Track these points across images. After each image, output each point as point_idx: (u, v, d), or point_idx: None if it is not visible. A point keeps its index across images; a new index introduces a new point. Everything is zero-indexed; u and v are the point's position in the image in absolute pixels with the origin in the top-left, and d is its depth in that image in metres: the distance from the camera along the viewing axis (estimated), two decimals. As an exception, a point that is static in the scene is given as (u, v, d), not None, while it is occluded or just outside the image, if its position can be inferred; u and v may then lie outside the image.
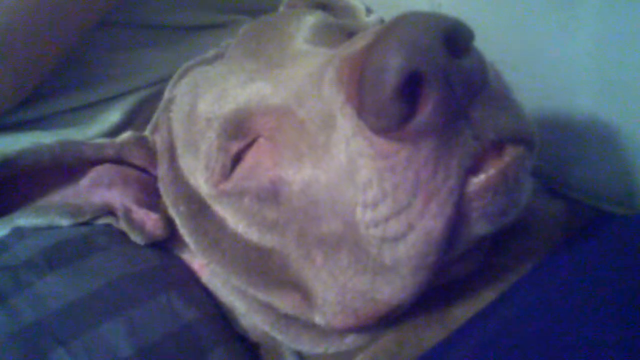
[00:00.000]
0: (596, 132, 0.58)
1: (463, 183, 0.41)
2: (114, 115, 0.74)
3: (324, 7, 0.79)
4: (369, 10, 0.80)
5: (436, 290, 0.48)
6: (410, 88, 0.37)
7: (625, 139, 0.56)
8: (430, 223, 0.41)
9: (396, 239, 0.42)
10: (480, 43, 0.41)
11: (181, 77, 0.66)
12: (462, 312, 0.50)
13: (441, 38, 0.37)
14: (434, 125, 0.38)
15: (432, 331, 0.50)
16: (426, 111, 0.38)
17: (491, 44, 0.42)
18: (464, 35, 0.39)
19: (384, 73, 0.37)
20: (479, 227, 0.42)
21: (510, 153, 0.42)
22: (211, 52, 0.70)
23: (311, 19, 0.61)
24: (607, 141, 0.57)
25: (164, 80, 0.73)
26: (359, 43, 0.43)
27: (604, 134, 0.57)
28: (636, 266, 0.46)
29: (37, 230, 0.58)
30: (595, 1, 0.54)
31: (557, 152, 0.61)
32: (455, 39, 0.38)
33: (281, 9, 0.81)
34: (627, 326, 0.40)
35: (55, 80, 0.72)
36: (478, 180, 0.41)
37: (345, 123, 0.43)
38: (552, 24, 0.58)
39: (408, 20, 0.38)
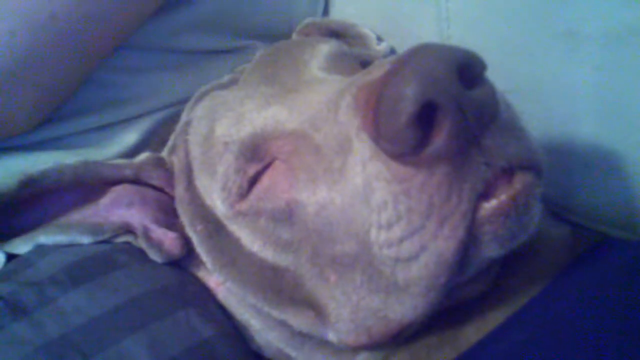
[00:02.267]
0: (599, 159, 0.59)
1: (475, 207, 0.42)
2: (131, 137, 0.76)
3: (336, 35, 0.81)
4: (379, 39, 0.82)
5: (447, 311, 0.49)
6: (425, 115, 0.39)
7: (628, 165, 0.58)
8: (442, 245, 0.42)
9: (409, 259, 0.43)
10: (487, 72, 0.43)
11: (198, 100, 0.67)
12: (472, 333, 0.51)
13: (455, 69, 0.39)
14: (447, 151, 0.40)
15: (443, 351, 0.51)
16: (441, 138, 0.39)
17: (497, 72, 0.44)
18: (477, 66, 0.41)
19: (400, 102, 0.39)
20: (490, 250, 0.44)
21: (520, 180, 0.43)
22: (226, 77, 0.71)
23: (325, 47, 0.63)
24: (610, 167, 0.59)
25: (180, 102, 0.75)
26: (375, 72, 0.45)
27: (607, 160, 0.59)
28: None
29: (58, 247, 0.59)
30: (598, 31, 0.56)
31: (561, 177, 0.62)
32: (468, 70, 0.40)
33: (294, 35, 0.83)
34: (634, 349, 0.41)
35: (75, 100, 0.73)
36: (489, 205, 0.43)
37: (362, 147, 0.44)
38: (556, 54, 0.60)
39: (423, 52, 0.40)
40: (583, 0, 0.57)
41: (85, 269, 0.56)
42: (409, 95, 0.38)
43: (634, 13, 0.54)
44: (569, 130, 0.61)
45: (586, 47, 0.57)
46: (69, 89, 0.70)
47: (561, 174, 0.62)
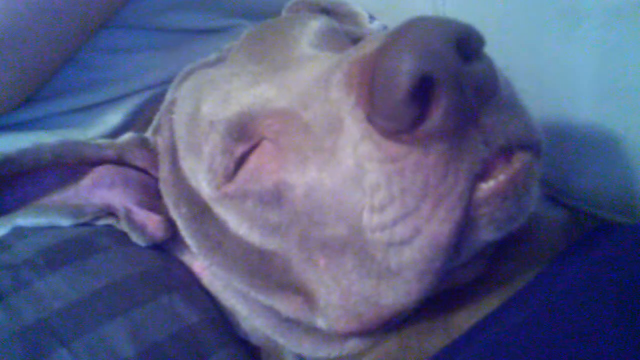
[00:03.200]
0: (597, 141, 0.58)
1: (472, 188, 0.41)
2: (114, 117, 0.74)
3: (327, 13, 0.79)
4: (371, 18, 0.80)
5: (440, 297, 0.48)
6: (422, 91, 0.37)
7: (627, 148, 0.56)
8: (437, 227, 0.41)
9: (402, 243, 0.42)
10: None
11: (183, 79, 0.66)
12: (465, 319, 0.50)
13: (454, 43, 0.37)
14: (444, 129, 0.38)
15: (435, 337, 0.50)
16: (437, 115, 0.38)
17: (492, 50, 0.42)
18: (476, 40, 0.39)
19: (396, 76, 0.37)
20: (487, 233, 0.42)
21: (519, 159, 0.42)
22: (213, 56, 0.70)
23: (316, 24, 0.61)
24: (608, 150, 0.58)
25: (165, 82, 0.73)
26: (369, 47, 0.43)
27: (605, 142, 0.58)
28: (638, 274, 0.46)
29: (37, 229, 0.57)
30: (599, 10, 0.55)
31: (558, 160, 0.61)
32: (466, 44, 0.38)
33: (284, 13, 0.81)
34: (631, 333, 0.40)
35: (56, 81, 0.71)
36: (487, 187, 0.41)
37: (354, 126, 0.43)
38: (555, 31, 0.58)
39: (420, 24, 0.38)
40: (583, -24, 0.55)
41: (64, 252, 0.55)
42: (405, 69, 0.37)
43: (634, -10, 0.52)
44: (567, 110, 0.60)
45: (586, 24, 0.55)
46: (49, 69, 0.69)
47: (558, 156, 0.61)
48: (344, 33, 0.62)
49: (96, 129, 0.73)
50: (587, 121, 0.58)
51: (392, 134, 0.40)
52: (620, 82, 0.55)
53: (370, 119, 0.41)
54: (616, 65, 0.55)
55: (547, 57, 0.59)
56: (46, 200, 0.60)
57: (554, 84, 0.60)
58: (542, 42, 0.60)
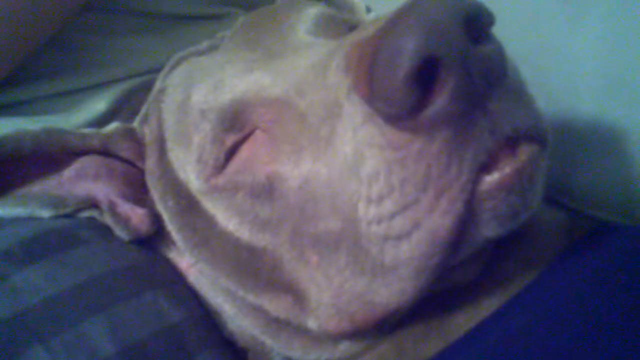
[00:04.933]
0: (599, 138, 0.57)
1: (476, 180, 0.39)
2: (100, 104, 0.72)
3: (324, 3, 0.78)
4: (368, 9, 0.79)
5: (435, 298, 0.47)
6: (426, 74, 0.35)
7: (629, 145, 0.56)
8: (438, 221, 0.39)
9: (400, 237, 0.40)
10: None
11: (173, 67, 0.64)
12: (462, 322, 0.49)
13: (462, 21, 0.35)
14: (450, 114, 0.36)
15: (431, 341, 0.49)
16: (442, 99, 0.36)
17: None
18: (485, 19, 0.37)
19: (398, 56, 0.35)
20: (489, 228, 0.41)
21: (526, 151, 0.40)
22: (205, 43, 0.68)
23: (313, 11, 0.60)
24: (610, 147, 0.57)
25: (154, 70, 0.71)
26: (369, 29, 0.41)
27: (607, 139, 0.57)
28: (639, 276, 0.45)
29: (16, 220, 0.56)
30: (605, 1, 0.53)
31: (557, 157, 0.60)
32: (475, 23, 0.36)
33: (279, 1, 0.80)
34: (634, 337, 0.39)
35: (39, 63, 0.69)
36: (492, 179, 0.39)
37: (354, 110, 0.41)
38: (558, 22, 0.57)
39: (426, 1, 0.36)
40: (589, -35, 0.54)
41: (43, 244, 0.53)
42: (408, 48, 0.34)
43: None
44: (568, 105, 0.58)
45: (590, 14, 0.54)
46: (27, 48, 0.66)
47: (557, 153, 0.59)
48: (342, 21, 0.61)
49: (80, 116, 0.71)
50: (588, 116, 0.57)
51: (393, 120, 0.38)
52: (624, 75, 0.54)
53: (370, 103, 0.39)
54: (620, 57, 0.54)
55: (551, 47, 0.58)
56: (26, 190, 0.58)
57: (555, 76, 0.59)
58: (545, 33, 0.59)
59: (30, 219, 0.56)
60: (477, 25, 0.36)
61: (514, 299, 0.48)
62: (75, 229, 0.56)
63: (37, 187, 0.58)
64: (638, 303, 0.42)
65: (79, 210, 0.58)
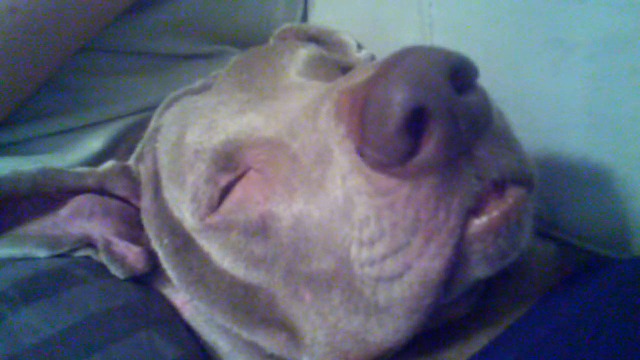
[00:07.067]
0: (587, 173, 0.58)
1: (464, 224, 0.40)
2: (95, 143, 0.72)
3: (315, 42, 0.79)
4: (359, 47, 0.80)
5: (428, 333, 0.47)
6: (414, 123, 0.36)
7: (617, 180, 0.56)
8: (428, 264, 0.39)
9: (392, 279, 0.41)
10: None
11: (168, 106, 0.65)
12: (454, 357, 0.49)
13: (447, 73, 0.36)
14: (437, 162, 0.37)
15: None
16: (430, 147, 0.37)
17: (481, 81, 0.41)
18: (469, 71, 0.39)
19: (388, 107, 0.36)
20: (479, 270, 0.41)
21: (513, 194, 0.41)
22: (199, 82, 0.69)
23: (304, 52, 0.61)
24: (598, 182, 0.57)
25: (149, 108, 0.72)
26: (359, 76, 0.42)
27: (595, 174, 0.57)
28: (630, 311, 0.45)
29: (12, 261, 0.56)
30: (588, 41, 0.54)
31: (547, 192, 0.60)
32: (460, 74, 0.37)
33: (271, 41, 0.81)
34: None
35: (35, 104, 0.70)
36: (480, 222, 0.40)
37: (343, 158, 0.41)
38: (544, 62, 0.58)
39: (413, 53, 0.37)
40: (571, 7, 0.55)
41: (38, 285, 0.53)
42: (398, 100, 0.36)
43: (624, 21, 0.52)
44: (556, 142, 0.59)
45: (574, 55, 0.55)
46: (25, 90, 0.67)
47: (547, 188, 0.60)
48: (333, 62, 0.61)
49: (76, 154, 0.71)
50: (576, 152, 0.58)
51: (382, 167, 0.39)
52: (610, 112, 0.55)
53: (360, 151, 0.40)
54: (605, 95, 0.55)
55: (536, 88, 0.59)
56: (22, 229, 0.58)
57: (542, 115, 0.59)
58: (531, 73, 0.59)
59: (26, 259, 0.56)
60: (462, 77, 0.38)
61: (506, 333, 0.48)
62: (71, 269, 0.56)
63: (33, 227, 0.58)
64: (629, 336, 0.42)
65: (75, 249, 0.58)
